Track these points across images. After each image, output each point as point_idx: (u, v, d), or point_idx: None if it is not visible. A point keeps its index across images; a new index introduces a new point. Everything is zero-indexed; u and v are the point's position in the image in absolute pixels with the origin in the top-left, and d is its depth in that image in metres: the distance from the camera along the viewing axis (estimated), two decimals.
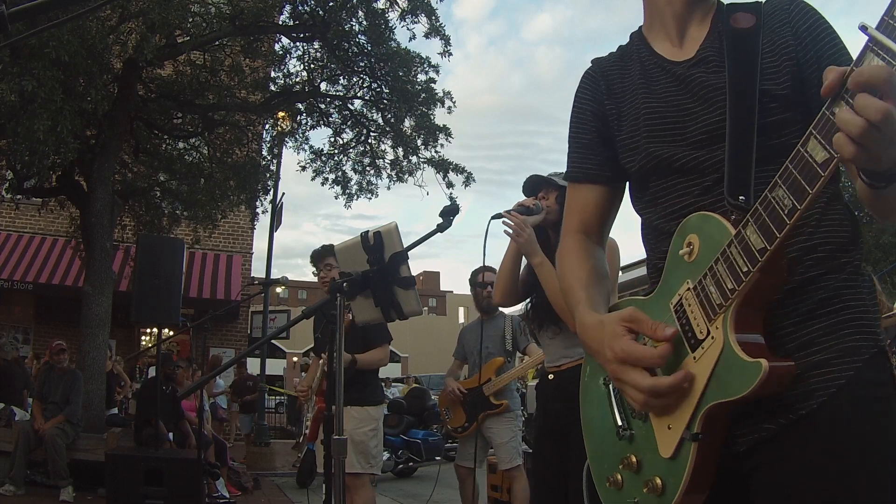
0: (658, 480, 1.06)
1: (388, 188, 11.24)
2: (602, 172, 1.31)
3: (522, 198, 2.67)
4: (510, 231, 2.48)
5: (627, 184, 1.33)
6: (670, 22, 1.25)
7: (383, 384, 5.95)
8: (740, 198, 1.03)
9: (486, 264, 4.32)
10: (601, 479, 1.22)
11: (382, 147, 10.30)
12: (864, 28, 0.81)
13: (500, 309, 4.66)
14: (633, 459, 1.13)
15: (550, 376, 2.68)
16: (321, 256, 3.97)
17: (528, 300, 2.78)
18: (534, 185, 2.66)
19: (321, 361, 3.93)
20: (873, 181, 0.89)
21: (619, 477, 1.16)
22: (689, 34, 1.24)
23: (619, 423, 1.18)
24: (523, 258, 2.59)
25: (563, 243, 1.35)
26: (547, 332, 2.69)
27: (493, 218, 2.53)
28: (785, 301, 1.05)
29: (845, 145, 0.80)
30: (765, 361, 0.92)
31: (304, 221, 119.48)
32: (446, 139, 9.76)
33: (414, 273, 2.56)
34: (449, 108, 9.60)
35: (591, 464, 1.27)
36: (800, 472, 1.00)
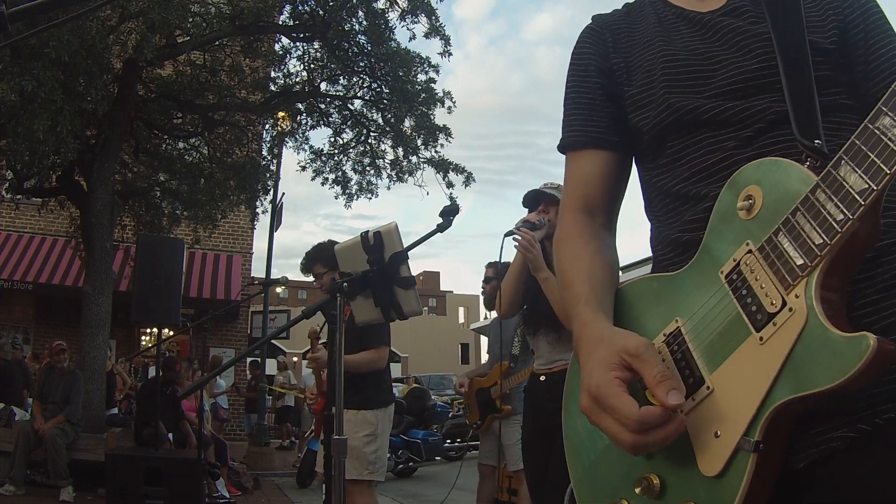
0: None
1: (388, 188, 11.25)
2: (608, 136, 1.11)
3: (522, 197, 2.72)
4: (521, 247, 2.56)
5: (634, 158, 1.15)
6: None
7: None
8: (816, 142, 0.85)
9: (494, 267, 4.38)
10: None
11: (382, 147, 10.32)
12: None
13: None
14: (655, 480, 0.85)
15: (542, 378, 2.72)
16: (308, 267, 3.90)
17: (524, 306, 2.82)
18: (534, 199, 2.73)
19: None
20: None
21: None
22: None
23: None
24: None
25: (563, 225, 1.12)
26: (545, 337, 2.73)
27: (506, 235, 2.61)
28: (861, 273, 0.83)
29: None
30: (871, 336, 0.68)
31: (304, 221, 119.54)
32: (446, 139, 9.78)
33: (414, 273, 2.57)
34: (449, 108, 9.62)
35: (577, 490, 1.00)
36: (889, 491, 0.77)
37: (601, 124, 1.11)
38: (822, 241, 0.74)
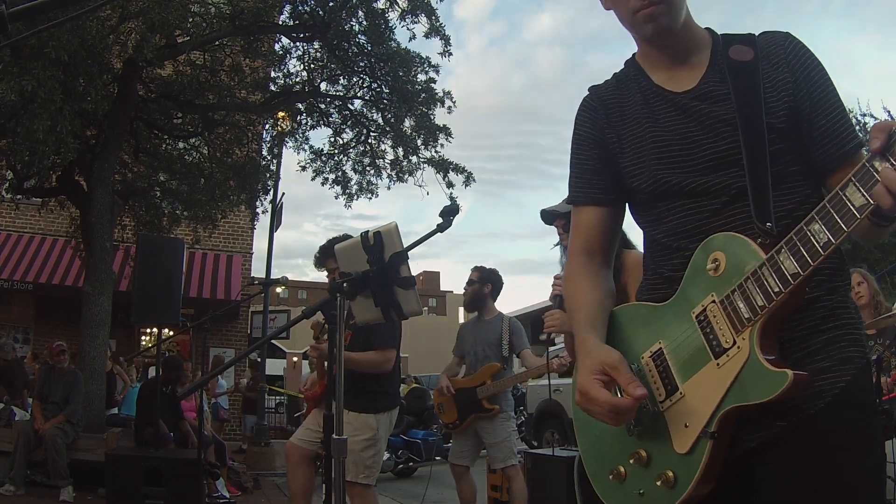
0: (670, 473, 1.16)
1: (388, 188, 11.23)
2: (606, 196, 1.40)
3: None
4: (555, 331, 2.83)
5: (628, 204, 1.43)
6: (667, 56, 1.33)
7: None
8: (767, 224, 1.16)
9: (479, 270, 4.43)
10: (601, 472, 1.30)
11: (382, 147, 10.30)
12: None
13: (498, 310, 4.68)
14: (643, 454, 1.22)
15: None
16: (322, 261, 3.87)
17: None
18: (550, 218, 2.85)
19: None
20: (881, 221, 1.03)
21: (623, 470, 1.25)
22: (687, 64, 1.31)
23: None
24: None
25: (570, 265, 1.44)
26: None
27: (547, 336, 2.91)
28: (793, 317, 1.16)
29: (884, 197, 0.94)
30: (790, 371, 1.04)
31: (304, 221, 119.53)
32: (446, 139, 9.77)
33: (414, 273, 2.57)
34: (449, 108, 9.61)
35: (585, 458, 1.36)
36: (808, 464, 1.14)
37: (600, 186, 1.40)
38: (762, 303, 1.09)
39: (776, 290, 1.06)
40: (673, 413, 1.19)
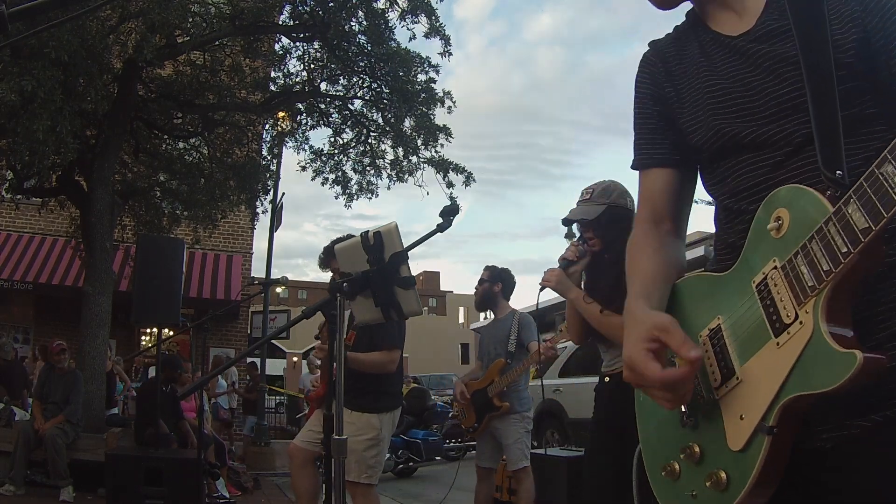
0: (723, 474, 1.00)
1: (388, 188, 11.24)
2: (671, 156, 1.28)
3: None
4: (549, 286, 2.79)
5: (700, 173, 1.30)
6: None
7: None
8: (837, 173, 0.97)
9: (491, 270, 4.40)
10: (655, 466, 1.16)
11: (382, 147, 10.31)
12: None
13: (511, 306, 4.67)
14: (696, 449, 1.07)
15: (607, 379, 2.82)
16: (326, 262, 3.86)
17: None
18: (569, 224, 2.85)
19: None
20: None
21: (677, 467, 1.10)
22: (746, 4, 1.19)
23: (683, 408, 1.11)
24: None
25: (632, 234, 1.31)
26: (601, 344, 2.90)
27: (541, 289, 2.83)
28: (875, 286, 0.97)
29: None
30: (859, 353, 0.85)
31: (304, 221, 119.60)
32: (446, 139, 9.77)
33: (414, 273, 2.57)
34: (449, 108, 9.61)
35: (643, 449, 1.22)
36: (891, 474, 0.94)
37: (664, 146, 1.29)
38: (828, 268, 0.89)
39: (844, 250, 0.87)
40: (729, 402, 1.02)
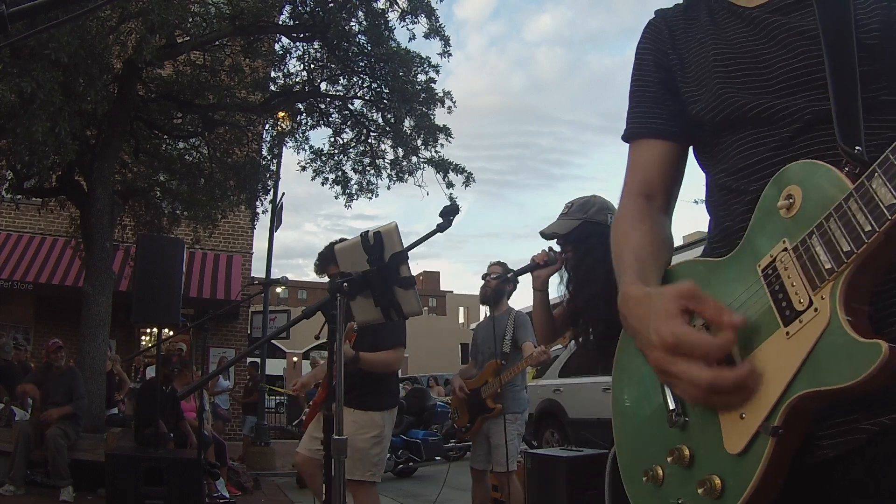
0: (717, 480, 0.88)
1: (388, 188, 11.26)
2: (668, 127, 1.19)
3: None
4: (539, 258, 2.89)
5: (692, 148, 1.22)
6: None
7: None
8: (856, 148, 0.88)
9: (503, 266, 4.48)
10: (634, 471, 1.04)
11: (382, 147, 10.32)
12: None
13: (509, 304, 4.62)
14: (686, 452, 0.94)
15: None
16: (322, 268, 3.86)
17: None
18: (551, 237, 2.88)
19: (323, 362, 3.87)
20: None
21: (661, 471, 0.98)
22: None
23: (672, 406, 0.98)
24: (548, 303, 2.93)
25: (621, 207, 1.20)
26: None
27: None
28: (894, 274, 0.87)
29: None
30: (884, 343, 0.73)
31: (304, 221, 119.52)
32: (446, 139, 9.79)
33: (414, 273, 2.57)
34: (449, 108, 9.63)
35: (620, 452, 1.10)
36: None
37: (662, 116, 1.19)
38: (849, 248, 0.79)
39: (868, 229, 0.77)
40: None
